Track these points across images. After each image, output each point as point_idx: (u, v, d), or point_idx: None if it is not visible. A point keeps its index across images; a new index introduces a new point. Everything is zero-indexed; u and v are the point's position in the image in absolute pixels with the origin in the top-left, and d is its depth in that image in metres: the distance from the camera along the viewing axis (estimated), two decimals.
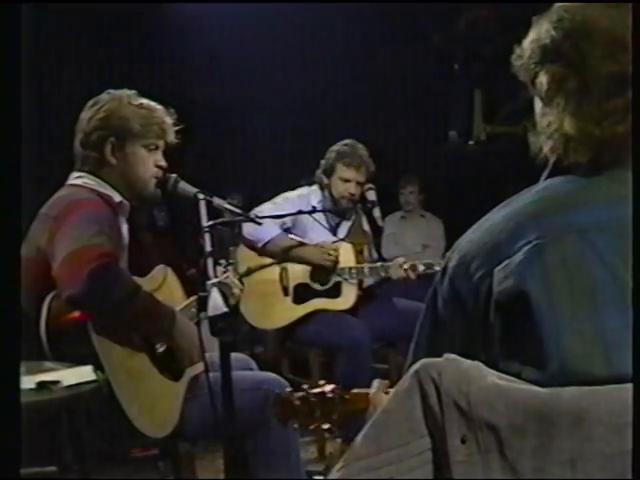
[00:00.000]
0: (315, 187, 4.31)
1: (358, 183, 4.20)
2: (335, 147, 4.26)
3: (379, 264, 4.18)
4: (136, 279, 2.53)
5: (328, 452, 4.05)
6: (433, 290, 1.36)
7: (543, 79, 1.35)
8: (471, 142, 7.14)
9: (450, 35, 7.00)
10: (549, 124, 1.33)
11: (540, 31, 1.36)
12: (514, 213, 1.29)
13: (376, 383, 1.83)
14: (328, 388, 1.84)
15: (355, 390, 1.84)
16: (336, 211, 4.30)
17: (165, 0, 6.39)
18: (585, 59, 1.30)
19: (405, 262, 4.01)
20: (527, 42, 1.39)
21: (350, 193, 4.19)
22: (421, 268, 4.00)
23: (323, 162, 4.28)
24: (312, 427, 1.86)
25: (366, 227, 4.40)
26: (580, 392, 1.14)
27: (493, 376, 1.18)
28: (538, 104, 1.39)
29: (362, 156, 4.21)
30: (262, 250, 4.09)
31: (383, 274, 4.08)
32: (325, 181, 4.25)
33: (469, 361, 1.20)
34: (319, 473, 3.78)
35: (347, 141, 4.27)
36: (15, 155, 1.54)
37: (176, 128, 2.76)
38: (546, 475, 1.12)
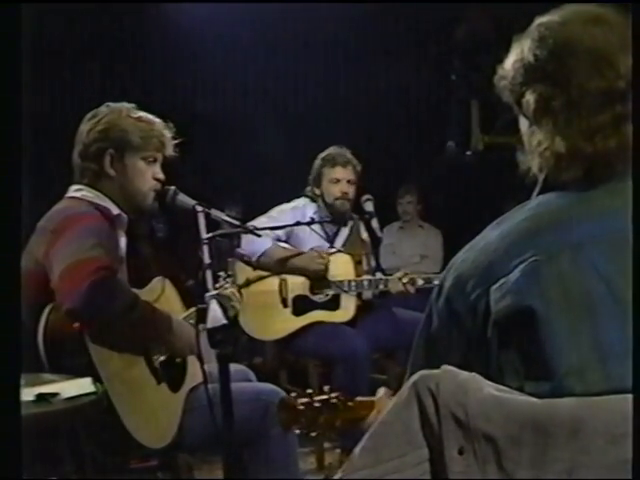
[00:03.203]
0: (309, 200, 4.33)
1: (349, 182, 4.23)
2: (318, 157, 4.31)
3: (378, 276, 4.19)
4: (134, 291, 2.54)
5: (327, 463, 4.05)
6: (429, 309, 1.37)
7: (530, 98, 1.35)
8: (469, 152, 7.15)
9: (448, 45, 7.01)
10: (539, 143, 1.33)
11: (522, 50, 1.37)
12: (508, 231, 1.30)
13: (382, 390, 1.84)
14: (332, 395, 1.85)
15: (359, 398, 1.85)
16: (333, 220, 4.31)
17: (165, 0, 6.41)
18: (571, 77, 1.30)
19: (404, 276, 4.02)
20: (509, 62, 1.40)
21: (343, 192, 4.22)
22: (420, 282, 4.00)
23: (310, 176, 4.31)
24: (314, 434, 1.87)
25: (364, 236, 4.41)
26: (577, 402, 1.14)
27: (490, 387, 1.19)
28: (524, 123, 1.40)
29: (346, 155, 4.28)
30: (256, 264, 4.09)
31: (382, 287, 4.09)
32: (317, 192, 4.28)
33: (466, 373, 1.21)
34: None
35: (329, 148, 4.32)
36: (15, 166, 1.54)
37: (175, 142, 2.78)
38: None
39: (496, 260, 1.27)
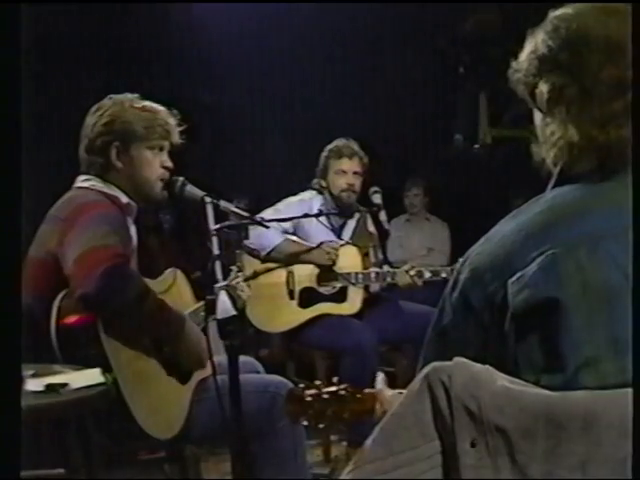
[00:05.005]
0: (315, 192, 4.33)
1: (355, 173, 4.23)
2: (325, 149, 4.31)
3: (386, 269, 4.18)
4: (147, 281, 2.54)
5: (333, 455, 4.05)
6: (442, 302, 1.36)
7: (543, 89, 1.35)
8: (476, 145, 7.14)
9: (456, 38, 7.00)
10: (552, 133, 1.33)
11: (536, 42, 1.37)
12: (524, 224, 1.29)
13: (379, 378, 1.84)
14: (341, 386, 1.85)
15: (367, 390, 1.85)
16: (340, 213, 4.31)
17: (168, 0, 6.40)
18: (584, 66, 1.30)
19: (411, 268, 4.02)
20: (524, 55, 1.40)
21: (349, 184, 4.21)
22: (427, 275, 4.00)
23: (318, 168, 4.31)
24: (322, 426, 1.86)
25: (371, 228, 4.40)
26: (591, 395, 1.14)
27: (503, 380, 1.18)
28: (538, 116, 1.40)
29: (352, 147, 4.27)
30: (266, 258, 4.09)
31: (389, 280, 4.09)
32: (323, 184, 4.27)
33: (479, 365, 1.20)
34: (324, 476, 3.79)
35: (335, 140, 4.31)
36: (15, 157, 1.54)
37: (180, 128, 2.77)
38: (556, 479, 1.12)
39: (513, 253, 1.26)
